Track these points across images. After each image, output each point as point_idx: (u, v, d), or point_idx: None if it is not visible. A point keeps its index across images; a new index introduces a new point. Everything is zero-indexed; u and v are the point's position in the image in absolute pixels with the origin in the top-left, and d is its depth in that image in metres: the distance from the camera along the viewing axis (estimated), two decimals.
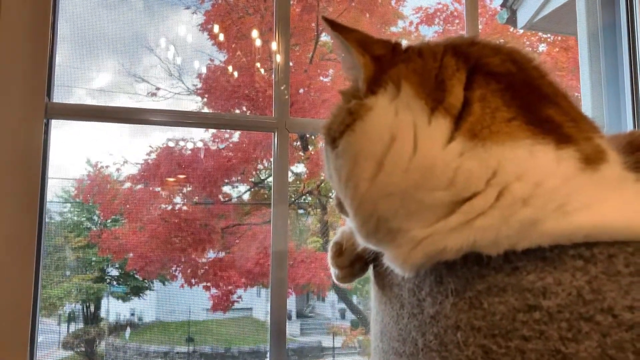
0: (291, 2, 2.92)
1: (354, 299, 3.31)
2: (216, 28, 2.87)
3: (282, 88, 1.36)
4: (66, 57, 2.17)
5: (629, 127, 1.50)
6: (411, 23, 3.22)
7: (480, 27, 3.10)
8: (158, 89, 2.77)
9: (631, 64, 1.51)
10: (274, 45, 1.40)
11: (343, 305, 3.36)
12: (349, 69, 0.53)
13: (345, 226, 0.63)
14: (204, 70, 2.91)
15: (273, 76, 1.37)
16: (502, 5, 2.60)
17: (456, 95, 0.45)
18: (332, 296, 3.41)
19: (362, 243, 0.51)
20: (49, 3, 1.19)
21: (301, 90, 3.03)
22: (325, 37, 3.19)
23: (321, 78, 3.15)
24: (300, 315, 3.46)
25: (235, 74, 2.89)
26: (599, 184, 0.41)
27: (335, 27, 0.52)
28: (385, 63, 0.50)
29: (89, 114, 1.34)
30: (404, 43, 0.53)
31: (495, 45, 0.50)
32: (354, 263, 0.62)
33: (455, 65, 0.47)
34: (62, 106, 1.25)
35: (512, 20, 2.56)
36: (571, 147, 0.42)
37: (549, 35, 2.98)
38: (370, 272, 0.63)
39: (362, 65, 0.50)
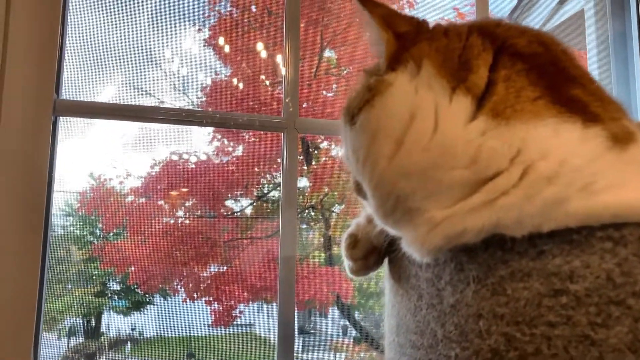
0: None
1: (357, 315, 3.28)
2: (221, 42, 2.88)
3: (287, 100, 1.36)
4: (73, 72, 2.18)
5: None
6: None
7: None
8: (162, 102, 2.77)
9: None
10: (279, 58, 1.41)
11: (345, 322, 3.33)
12: (373, 45, 0.53)
13: (360, 217, 0.62)
14: (208, 83, 2.92)
15: (283, 80, 1.37)
16: (507, 19, 2.62)
17: (480, 75, 0.45)
18: (334, 312, 3.37)
19: (379, 224, 0.50)
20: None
21: (305, 105, 3.04)
22: (329, 52, 3.21)
23: (325, 92, 3.16)
24: (302, 331, 3.43)
25: (241, 85, 2.89)
26: (627, 164, 0.40)
27: (363, 1, 0.52)
28: (408, 40, 0.50)
29: (97, 111, 1.33)
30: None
31: (522, 27, 0.49)
32: (369, 255, 0.60)
33: (481, 45, 0.47)
34: (70, 103, 1.25)
35: None
36: (598, 126, 0.41)
37: None
38: (385, 266, 0.61)
39: (385, 41, 0.50)
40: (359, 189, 0.52)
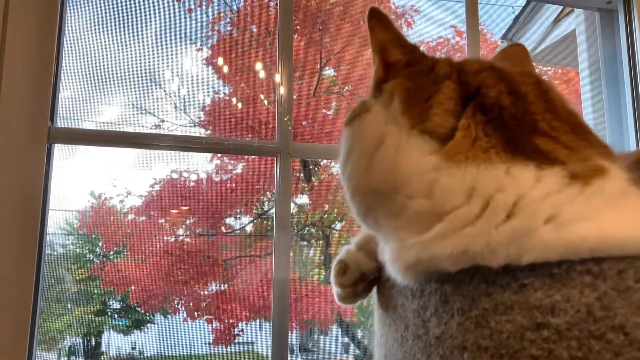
0: (295, 36, 2.95)
1: (358, 333, 3.26)
2: (220, 61, 2.91)
3: (286, 119, 1.37)
4: (75, 92, 2.21)
5: None
6: None
7: None
8: (163, 121, 2.80)
9: (633, 94, 1.52)
10: (277, 78, 1.42)
11: (346, 339, 3.32)
12: (373, 64, 0.56)
13: (351, 244, 0.62)
14: (208, 102, 2.94)
15: (276, 103, 1.38)
16: (503, 38, 2.64)
17: (436, 122, 0.47)
18: (335, 330, 3.36)
19: (360, 224, 0.54)
20: (54, 24, 1.20)
21: (304, 123, 3.06)
22: (328, 71, 3.23)
23: (324, 110, 3.18)
24: (303, 349, 3.41)
25: (239, 105, 2.91)
26: (592, 197, 0.40)
27: (370, 21, 0.55)
28: (392, 71, 0.52)
29: (92, 139, 1.34)
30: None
31: (503, 75, 0.50)
32: (358, 283, 0.61)
33: (451, 92, 0.48)
34: (64, 130, 1.25)
35: None
36: (556, 167, 0.42)
37: (549, 67, 3.01)
38: (374, 293, 0.62)
39: (375, 66, 0.54)
40: None
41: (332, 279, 0.63)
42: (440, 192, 0.44)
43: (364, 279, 0.60)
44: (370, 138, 0.50)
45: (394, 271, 0.49)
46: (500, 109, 0.46)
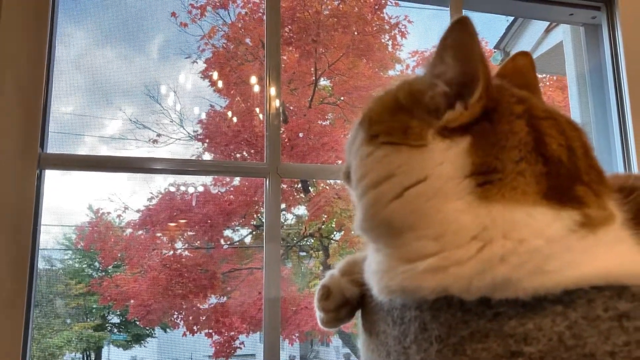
0: (290, 48, 2.96)
1: (359, 344, 3.25)
2: (216, 75, 2.92)
3: (281, 132, 1.37)
4: (73, 107, 2.23)
5: (619, 164, 1.52)
6: (408, 66, 3.28)
7: None
8: (160, 135, 2.81)
9: (618, 103, 1.54)
10: (272, 91, 1.42)
11: (347, 350, 3.31)
12: (439, 75, 0.49)
13: (334, 270, 0.63)
14: (204, 116, 2.95)
15: (264, 124, 1.38)
16: (496, 47, 2.66)
17: (504, 171, 0.44)
18: (336, 341, 3.35)
19: (357, 231, 0.52)
20: (44, 53, 1.22)
21: (301, 134, 3.06)
22: (323, 81, 3.24)
23: (320, 122, 3.19)
24: None
25: (235, 119, 2.92)
26: (591, 248, 0.41)
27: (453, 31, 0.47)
28: (484, 120, 0.47)
29: (82, 164, 1.35)
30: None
31: (561, 127, 0.47)
32: (341, 308, 0.61)
33: (524, 138, 0.46)
34: (55, 156, 1.27)
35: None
36: (575, 210, 0.42)
37: (543, 75, 3.02)
38: (358, 318, 0.62)
39: (469, 107, 0.47)
40: (348, 180, 0.54)
41: (315, 303, 0.63)
42: (450, 232, 0.43)
43: (347, 304, 0.61)
44: (414, 174, 0.46)
45: (371, 283, 0.50)
46: (559, 164, 0.45)
